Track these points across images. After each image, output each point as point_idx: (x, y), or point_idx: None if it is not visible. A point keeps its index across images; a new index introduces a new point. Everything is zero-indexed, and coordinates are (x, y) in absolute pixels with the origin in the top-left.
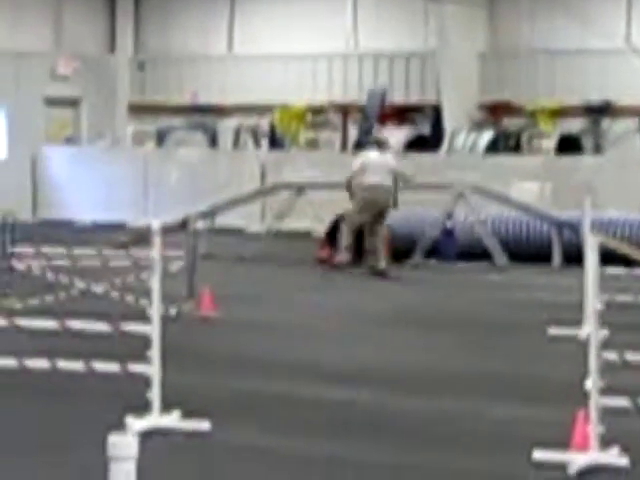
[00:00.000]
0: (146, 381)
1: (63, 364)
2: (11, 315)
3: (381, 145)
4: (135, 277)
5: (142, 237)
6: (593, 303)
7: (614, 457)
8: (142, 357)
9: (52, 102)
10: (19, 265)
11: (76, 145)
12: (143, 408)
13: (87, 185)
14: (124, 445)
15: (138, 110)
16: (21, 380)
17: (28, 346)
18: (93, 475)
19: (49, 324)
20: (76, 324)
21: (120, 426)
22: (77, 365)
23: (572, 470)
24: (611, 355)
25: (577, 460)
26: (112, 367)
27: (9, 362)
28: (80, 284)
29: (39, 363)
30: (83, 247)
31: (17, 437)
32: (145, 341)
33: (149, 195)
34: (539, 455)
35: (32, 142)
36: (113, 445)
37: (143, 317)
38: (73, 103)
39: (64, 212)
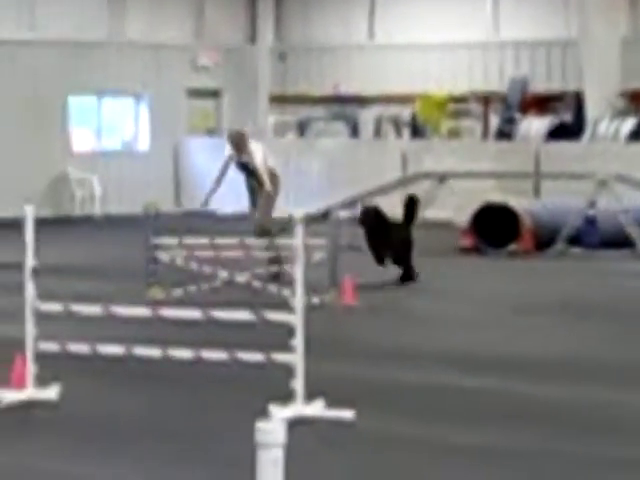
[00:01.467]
0: (289, 370)
1: (207, 354)
2: (155, 305)
3: None
4: (278, 267)
5: (284, 227)
6: None
7: None
8: (285, 346)
9: (193, 93)
10: (162, 256)
11: (217, 136)
12: (287, 397)
13: (228, 176)
14: (272, 432)
15: (279, 101)
16: (166, 370)
17: (172, 336)
18: (240, 463)
19: (193, 314)
20: (220, 314)
21: (264, 415)
22: (221, 354)
23: None
24: None
25: None
26: (256, 356)
27: (154, 352)
28: (223, 274)
29: (183, 353)
30: (225, 237)
31: (162, 426)
32: (288, 330)
33: (290, 185)
34: None
35: (174, 134)
36: (261, 432)
37: (286, 306)
38: (214, 94)
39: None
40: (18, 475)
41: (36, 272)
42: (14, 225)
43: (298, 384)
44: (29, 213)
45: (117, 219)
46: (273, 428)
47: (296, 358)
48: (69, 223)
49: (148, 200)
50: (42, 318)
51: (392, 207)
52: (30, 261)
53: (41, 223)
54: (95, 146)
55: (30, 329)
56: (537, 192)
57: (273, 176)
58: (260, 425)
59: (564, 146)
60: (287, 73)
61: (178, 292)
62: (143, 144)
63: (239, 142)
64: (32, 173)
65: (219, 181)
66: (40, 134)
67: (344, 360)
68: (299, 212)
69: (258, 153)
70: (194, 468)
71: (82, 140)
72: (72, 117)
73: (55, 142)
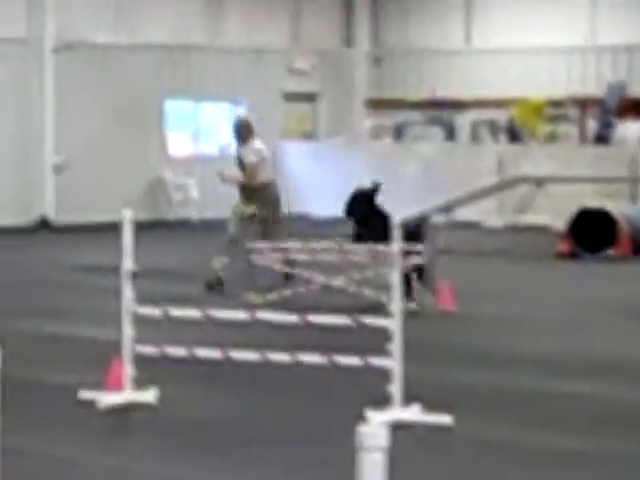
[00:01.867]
0: (386, 375)
1: (304, 357)
2: (252, 309)
3: None
4: (374, 271)
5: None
6: None
7: None
8: (383, 351)
9: (290, 97)
10: (259, 260)
11: (313, 140)
12: (383, 402)
13: (324, 179)
14: (374, 435)
15: (375, 105)
16: (263, 373)
17: (269, 340)
18: (338, 467)
19: (290, 317)
20: (317, 318)
21: (361, 419)
22: (318, 358)
23: None
24: None
25: None
26: (353, 360)
27: (251, 355)
28: (319, 278)
29: (281, 356)
30: (321, 241)
31: (259, 430)
32: (385, 335)
33: (386, 189)
34: None
35: (270, 137)
36: (363, 435)
37: (382, 311)
38: (310, 98)
39: (302, 206)
40: (117, 478)
41: (134, 275)
42: (113, 229)
43: (395, 388)
44: (127, 217)
45: (213, 223)
46: (375, 432)
47: (393, 362)
48: (166, 227)
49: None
50: (140, 321)
51: (487, 211)
52: (128, 264)
53: (138, 227)
54: (192, 150)
55: (128, 332)
56: (634, 197)
57: (267, 186)
58: (362, 428)
59: None
60: (383, 77)
61: (274, 296)
62: None
63: (243, 130)
64: (130, 177)
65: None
66: (137, 138)
67: (441, 365)
68: (396, 217)
69: (257, 153)
70: (290, 472)
71: (179, 144)
72: (169, 121)
73: (152, 146)
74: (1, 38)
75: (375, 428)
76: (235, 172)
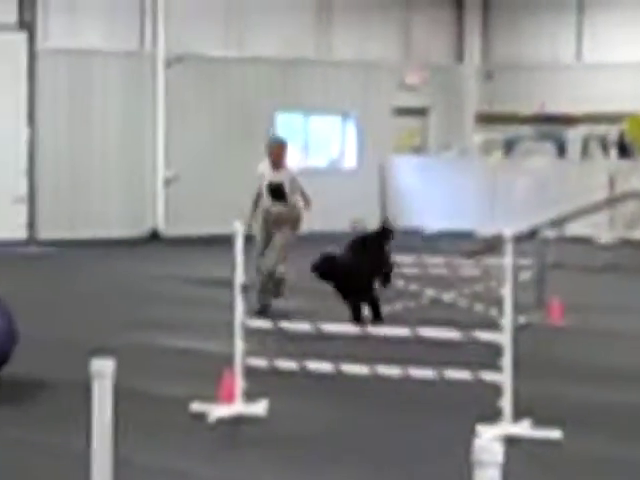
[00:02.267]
0: (497, 389)
1: (415, 372)
2: (366, 323)
3: None
4: (484, 286)
5: (492, 246)
6: None
7: None
8: (493, 365)
9: (400, 112)
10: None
11: (424, 154)
12: (494, 416)
13: (434, 194)
14: (490, 450)
15: (485, 119)
16: (373, 387)
17: (380, 353)
18: None
19: (401, 331)
20: (428, 332)
21: (471, 434)
22: (428, 372)
23: None
24: None
25: None
26: (463, 375)
27: (361, 369)
28: (429, 292)
29: (391, 370)
30: (431, 255)
31: (371, 445)
32: (496, 349)
33: (496, 204)
34: None
35: (380, 151)
36: (479, 450)
37: (492, 325)
38: (421, 113)
39: (412, 220)
40: None
41: (245, 288)
42: (223, 241)
43: (506, 403)
44: (238, 230)
45: (322, 236)
46: (491, 446)
47: (504, 377)
48: None
49: (356, 216)
50: (251, 334)
51: (598, 226)
52: (239, 277)
53: (250, 239)
54: (301, 163)
55: (239, 345)
56: None
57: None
58: (478, 443)
59: None
60: (494, 92)
61: (385, 309)
62: (350, 162)
63: (278, 154)
64: (240, 190)
65: (255, 204)
66: (248, 151)
67: (551, 379)
68: (508, 231)
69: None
70: None
71: (289, 157)
72: (279, 134)
73: (262, 159)
74: (114, 52)
75: (491, 443)
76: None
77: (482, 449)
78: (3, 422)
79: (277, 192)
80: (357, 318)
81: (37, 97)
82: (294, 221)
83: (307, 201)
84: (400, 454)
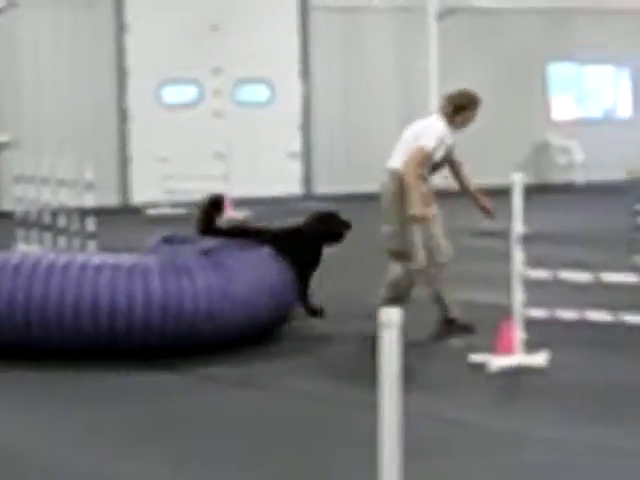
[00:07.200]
0: None
1: None
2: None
3: None
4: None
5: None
6: None
7: None
8: None
9: None
10: None
11: None
12: None
13: None
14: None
15: None
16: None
17: None
18: None
19: None
20: None
21: None
22: None
23: None
24: None
25: None
26: None
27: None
28: None
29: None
30: None
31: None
32: None
33: None
34: None
35: None
36: None
37: None
38: None
39: None
40: (508, 441)
41: (523, 239)
42: (500, 193)
43: None
44: (517, 181)
45: (599, 186)
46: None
47: None
48: (550, 190)
49: (630, 167)
50: (530, 285)
51: None
52: (518, 228)
53: (525, 190)
54: (576, 114)
55: (518, 296)
56: None
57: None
58: None
59: None
60: None
61: None
62: (624, 111)
63: None
64: (515, 141)
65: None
66: (521, 102)
67: None
68: None
69: None
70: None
71: (563, 108)
72: (552, 85)
73: (536, 110)
74: (385, 7)
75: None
76: None
77: None
78: (294, 375)
79: None
80: None
81: (310, 52)
82: None
83: None
84: None
